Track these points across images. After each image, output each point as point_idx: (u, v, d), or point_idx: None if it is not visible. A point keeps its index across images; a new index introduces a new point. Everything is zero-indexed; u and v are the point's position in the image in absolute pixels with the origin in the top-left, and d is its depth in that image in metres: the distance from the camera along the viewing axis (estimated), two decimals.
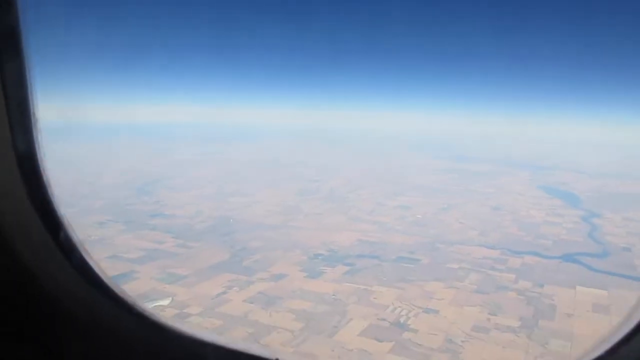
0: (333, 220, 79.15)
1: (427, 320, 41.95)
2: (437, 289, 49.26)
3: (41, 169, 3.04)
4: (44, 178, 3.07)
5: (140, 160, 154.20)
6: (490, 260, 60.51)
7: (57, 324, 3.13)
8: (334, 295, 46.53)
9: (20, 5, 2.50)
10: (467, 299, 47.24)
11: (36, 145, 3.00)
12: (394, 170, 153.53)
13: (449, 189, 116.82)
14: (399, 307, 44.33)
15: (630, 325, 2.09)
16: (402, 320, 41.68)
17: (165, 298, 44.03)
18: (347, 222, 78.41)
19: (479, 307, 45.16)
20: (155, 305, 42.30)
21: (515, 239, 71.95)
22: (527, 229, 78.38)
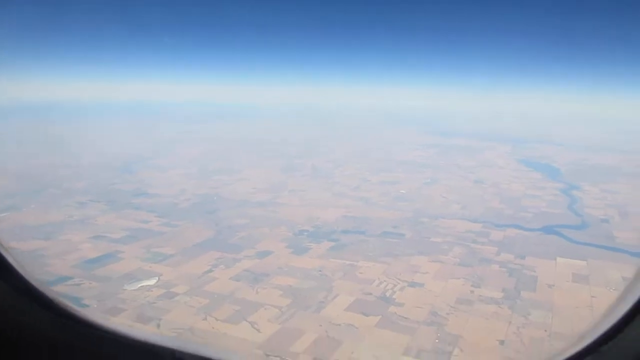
0: (318, 196, 79.33)
1: (412, 293, 42.56)
2: (421, 263, 49.93)
3: None
4: None
5: (123, 140, 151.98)
6: (472, 233, 61.38)
7: None
8: (320, 271, 46.90)
9: None
10: (451, 272, 47.98)
11: None
12: (378, 146, 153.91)
13: (432, 164, 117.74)
14: (385, 281, 44.89)
15: (612, 320, 2.07)
16: (388, 294, 42.23)
17: (151, 278, 43.95)
18: (332, 198, 78.69)
19: (463, 280, 45.93)
20: (141, 286, 42.31)
21: (497, 212, 73.02)
22: (509, 202, 79.57)
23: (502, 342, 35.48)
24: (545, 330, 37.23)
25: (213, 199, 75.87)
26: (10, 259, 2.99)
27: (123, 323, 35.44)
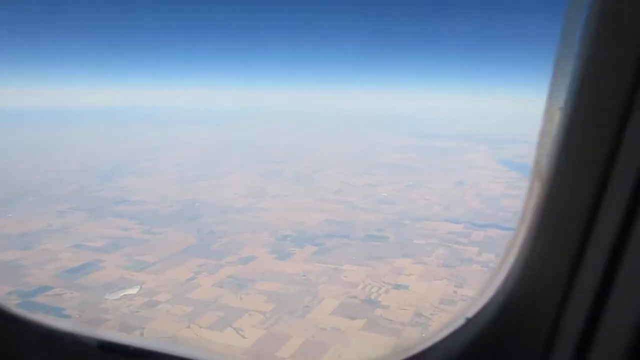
0: (300, 201, 79.25)
1: (397, 296, 42.83)
2: (405, 265, 50.25)
3: None
4: None
5: (102, 146, 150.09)
6: (454, 234, 62.00)
7: None
8: (304, 275, 46.88)
9: None
10: (434, 273, 48.42)
11: None
12: (359, 148, 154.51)
13: (413, 166, 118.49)
14: (370, 284, 45.08)
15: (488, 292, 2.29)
16: (373, 297, 42.43)
17: (134, 286, 43.42)
18: (314, 202, 78.66)
19: (446, 281, 46.40)
20: (124, 294, 41.80)
21: (477, 212, 73.85)
22: (488, 203, 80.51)
23: None
24: None
25: (195, 205, 75.31)
26: None
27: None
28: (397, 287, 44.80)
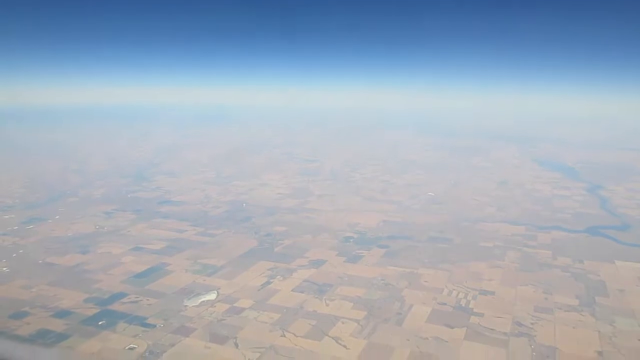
0: (349, 201, 77.08)
1: (487, 302, 40.56)
2: (481, 269, 48.02)
3: None
4: None
5: (127, 145, 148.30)
6: (519, 236, 59.73)
7: None
8: (383, 280, 44.75)
9: None
10: (515, 278, 46.11)
11: None
12: (385, 148, 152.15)
13: (447, 165, 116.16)
14: (454, 290, 42.87)
15: None
16: (462, 304, 40.19)
17: (210, 292, 41.39)
18: (363, 202, 76.43)
19: (532, 287, 44.08)
20: (202, 301, 39.78)
21: (533, 213, 71.48)
22: (541, 203, 78.14)
23: (600, 354, 33.74)
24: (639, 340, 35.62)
25: (242, 206, 73.25)
26: None
27: (197, 344, 32.99)
28: (484, 293, 42.51)
